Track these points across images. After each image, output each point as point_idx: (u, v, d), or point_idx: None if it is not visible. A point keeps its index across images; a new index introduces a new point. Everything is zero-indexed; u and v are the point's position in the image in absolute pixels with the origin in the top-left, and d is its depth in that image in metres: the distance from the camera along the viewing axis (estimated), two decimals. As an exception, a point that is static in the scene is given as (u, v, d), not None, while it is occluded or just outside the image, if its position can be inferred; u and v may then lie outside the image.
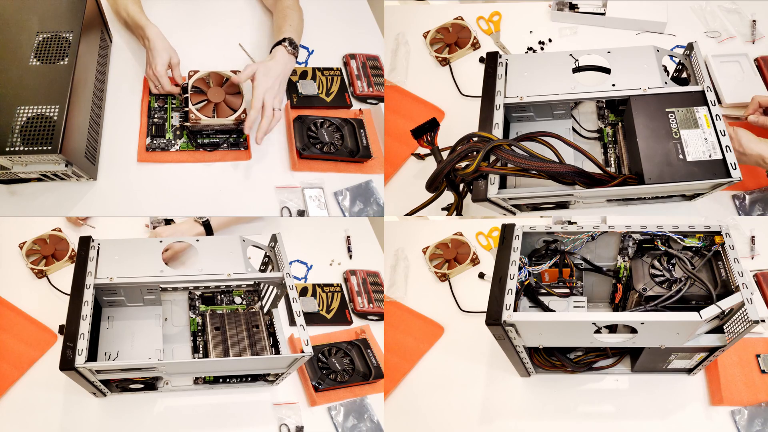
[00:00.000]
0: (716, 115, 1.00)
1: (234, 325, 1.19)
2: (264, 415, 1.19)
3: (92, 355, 1.05)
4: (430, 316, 1.31)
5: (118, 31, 1.35)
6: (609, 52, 1.10)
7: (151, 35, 1.25)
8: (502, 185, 1.06)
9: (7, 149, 0.97)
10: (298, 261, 1.46)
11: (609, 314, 1.10)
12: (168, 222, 1.37)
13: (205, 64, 1.28)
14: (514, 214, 1.12)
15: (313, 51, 1.46)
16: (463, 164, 1.03)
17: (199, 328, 1.20)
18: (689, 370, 1.14)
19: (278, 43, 1.30)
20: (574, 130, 1.17)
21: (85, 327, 0.98)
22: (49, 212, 1.15)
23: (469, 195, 1.05)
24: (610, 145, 1.15)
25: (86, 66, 1.13)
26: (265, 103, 1.22)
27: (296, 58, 1.32)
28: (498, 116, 1.06)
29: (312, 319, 1.36)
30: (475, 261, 1.39)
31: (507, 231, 1.05)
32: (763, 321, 1.21)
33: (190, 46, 1.36)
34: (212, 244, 1.14)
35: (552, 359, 1.12)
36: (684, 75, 1.13)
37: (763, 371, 1.16)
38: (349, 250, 1.52)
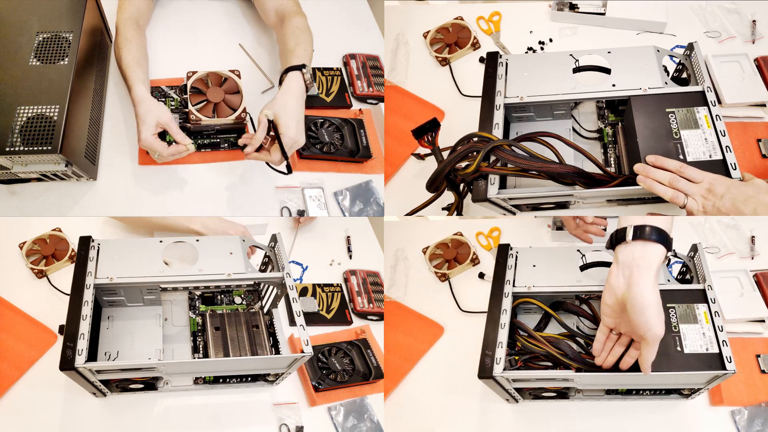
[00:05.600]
0: (716, 115, 1.00)
1: (234, 325, 1.19)
2: (264, 415, 1.19)
3: (92, 355, 1.05)
4: (430, 316, 1.31)
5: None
6: (609, 52, 1.09)
7: (136, 97, 1.12)
8: (502, 185, 1.06)
9: (7, 149, 0.97)
10: (293, 262, 1.45)
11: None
12: None
13: (205, 65, 1.28)
14: (514, 214, 1.12)
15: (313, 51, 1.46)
16: (463, 164, 1.03)
17: (199, 328, 1.20)
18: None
19: (294, 68, 1.17)
20: (574, 130, 1.17)
21: (85, 327, 0.98)
22: (49, 212, 1.15)
23: (469, 195, 1.05)
24: (610, 145, 1.15)
25: (86, 66, 1.13)
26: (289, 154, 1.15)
27: (309, 89, 1.21)
28: (498, 116, 1.06)
29: (312, 319, 1.36)
30: (475, 261, 1.39)
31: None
32: (763, 321, 1.22)
33: (189, 46, 1.36)
34: (212, 244, 1.14)
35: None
36: (684, 75, 1.13)
37: (763, 371, 1.16)
38: (349, 250, 1.52)
